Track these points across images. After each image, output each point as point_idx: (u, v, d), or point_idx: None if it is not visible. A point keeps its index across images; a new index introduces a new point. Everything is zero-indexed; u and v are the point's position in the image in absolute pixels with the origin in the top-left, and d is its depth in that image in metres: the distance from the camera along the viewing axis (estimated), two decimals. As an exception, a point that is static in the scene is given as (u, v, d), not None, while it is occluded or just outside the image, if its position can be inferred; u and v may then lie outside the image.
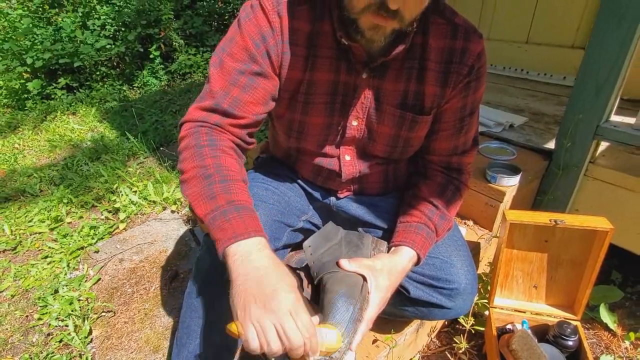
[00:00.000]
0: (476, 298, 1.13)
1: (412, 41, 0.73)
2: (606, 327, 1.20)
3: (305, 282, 0.76)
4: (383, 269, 0.72)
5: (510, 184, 1.16)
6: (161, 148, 2.47)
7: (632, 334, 1.14)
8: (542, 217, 0.95)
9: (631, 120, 1.13)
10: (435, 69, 0.75)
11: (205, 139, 0.69)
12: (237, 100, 0.72)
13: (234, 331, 0.55)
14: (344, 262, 0.70)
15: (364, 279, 0.69)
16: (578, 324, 1.03)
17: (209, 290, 0.80)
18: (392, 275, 0.73)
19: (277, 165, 1.00)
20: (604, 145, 1.28)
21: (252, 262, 0.57)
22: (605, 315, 1.17)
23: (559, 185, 1.27)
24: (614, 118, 1.18)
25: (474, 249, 1.17)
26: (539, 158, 1.32)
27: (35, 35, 3.56)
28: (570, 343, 0.98)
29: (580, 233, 0.96)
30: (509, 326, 1.06)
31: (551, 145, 1.35)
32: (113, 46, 3.86)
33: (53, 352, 1.18)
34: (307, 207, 0.98)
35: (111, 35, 3.94)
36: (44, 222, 1.81)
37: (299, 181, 0.98)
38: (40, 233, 1.76)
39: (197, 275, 0.82)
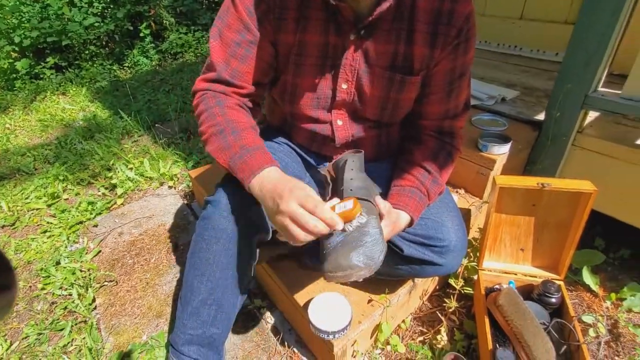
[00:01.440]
0: (466, 261, 1.18)
1: (401, 2, 0.74)
2: (589, 289, 1.26)
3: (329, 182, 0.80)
4: (392, 222, 0.77)
5: (500, 152, 1.19)
6: (156, 125, 2.46)
7: (613, 295, 1.20)
8: (530, 181, 0.99)
9: (620, 92, 1.17)
10: (424, 30, 0.76)
11: (213, 102, 0.79)
12: (237, 71, 0.79)
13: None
14: (380, 200, 0.77)
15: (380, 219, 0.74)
16: (561, 283, 1.08)
17: (211, 248, 0.83)
18: (393, 231, 0.78)
19: (273, 133, 1.02)
20: (591, 116, 1.32)
21: (266, 185, 0.69)
22: (587, 277, 1.23)
23: (548, 155, 1.31)
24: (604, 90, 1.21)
25: (465, 215, 1.21)
26: (529, 129, 1.36)
27: (22, 13, 3.46)
28: (554, 300, 1.04)
29: (566, 196, 1.00)
30: (496, 286, 1.11)
31: (541, 117, 1.38)
32: (102, 24, 3.77)
33: (58, 319, 1.21)
34: (303, 174, 1.01)
35: (99, 13, 3.84)
36: (40, 198, 1.82)
37: (295, 148, 1.00)
38: (37, 209, 1.77)
39: (199, 235, 0.85)
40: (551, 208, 1.05)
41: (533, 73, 1.92)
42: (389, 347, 1.10)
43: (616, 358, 1.08)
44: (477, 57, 2.21)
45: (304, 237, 0.63)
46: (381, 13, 0.71)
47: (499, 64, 2.08)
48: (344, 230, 0.65)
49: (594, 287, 1.24)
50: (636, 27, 1.43)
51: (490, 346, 0.94)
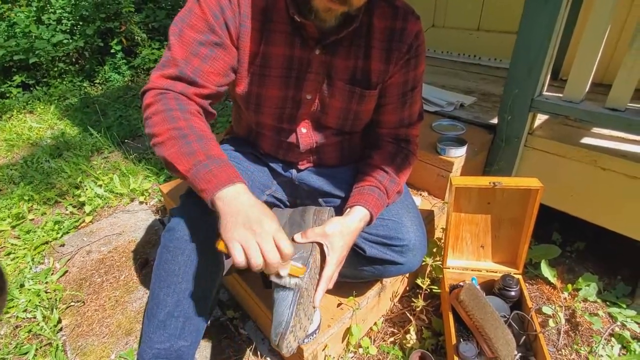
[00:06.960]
0: (431, 261, 1.23)
1: (360, 21, 0.79)
2: (548, 282, 1.33)
3: None
4: (335, 232, 0.79)
5: (457, 155, 1.26)
6: (126, 141, 2.43)
7: (569, 286, 1.27)
8: (483, 181, 1.05)
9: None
10: (379, 47, 0.83)
11: (174, 104, 0.74)
12: (199, 70, 0.76)
13: (221, 248, 0.66)
14: (297, 237, 0.77)
15: (320, 246, 0.76)
16: (520, 277, 1.14)
17: (176, 259, 0.83)
18: (346, 236, 0.80)
19: (240, 143, 1.04)
20: (540, 119, 1.41)
21: (241, 201, 0.66)
22: (545, 270, 1.30)
23: (503, 156, 1.39)
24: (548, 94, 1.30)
25: (428, 216, 1.26)
26: (485, 132, 1.44)
27: (-15, 32, 3.38)
28: (513, 293, 1.09)
29: (517, 193, 1.07)
30: (460, 283, 1.16)
31: (496, 120, 1.47)
32: (71, 41, 3.72)
33: (22, 342, 1.17)
34: (270, 182, 1.03)
35: (68, 30, 3.79)
36: (4, 220, 1.76)
37: (262, 157, 1.03)
38: (1, 231, 1.71)
39: (164, 247, 0.85)
40: (505, 205, 1.11)
41: (491, 80, 2.04)
42: (360, 350, 1.12)
43: (575, 346, 1.14)
44: (439, 67, 2.32)
45: (259, 263, 0.62)
46: (347, 33, 0.77)
47: (460, 72, 2.19)
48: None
49: (552, 280, 1.31)
50: (579, 38, 1.55)
51: (454, 341, 0.97)
